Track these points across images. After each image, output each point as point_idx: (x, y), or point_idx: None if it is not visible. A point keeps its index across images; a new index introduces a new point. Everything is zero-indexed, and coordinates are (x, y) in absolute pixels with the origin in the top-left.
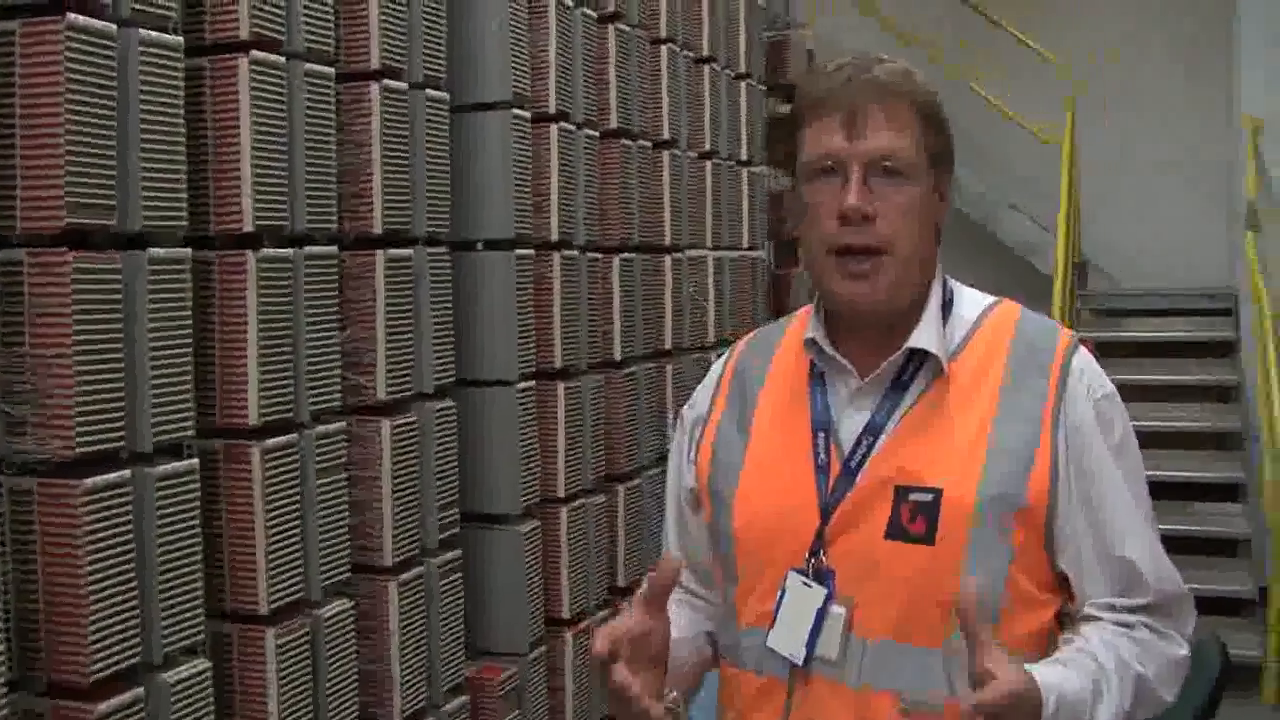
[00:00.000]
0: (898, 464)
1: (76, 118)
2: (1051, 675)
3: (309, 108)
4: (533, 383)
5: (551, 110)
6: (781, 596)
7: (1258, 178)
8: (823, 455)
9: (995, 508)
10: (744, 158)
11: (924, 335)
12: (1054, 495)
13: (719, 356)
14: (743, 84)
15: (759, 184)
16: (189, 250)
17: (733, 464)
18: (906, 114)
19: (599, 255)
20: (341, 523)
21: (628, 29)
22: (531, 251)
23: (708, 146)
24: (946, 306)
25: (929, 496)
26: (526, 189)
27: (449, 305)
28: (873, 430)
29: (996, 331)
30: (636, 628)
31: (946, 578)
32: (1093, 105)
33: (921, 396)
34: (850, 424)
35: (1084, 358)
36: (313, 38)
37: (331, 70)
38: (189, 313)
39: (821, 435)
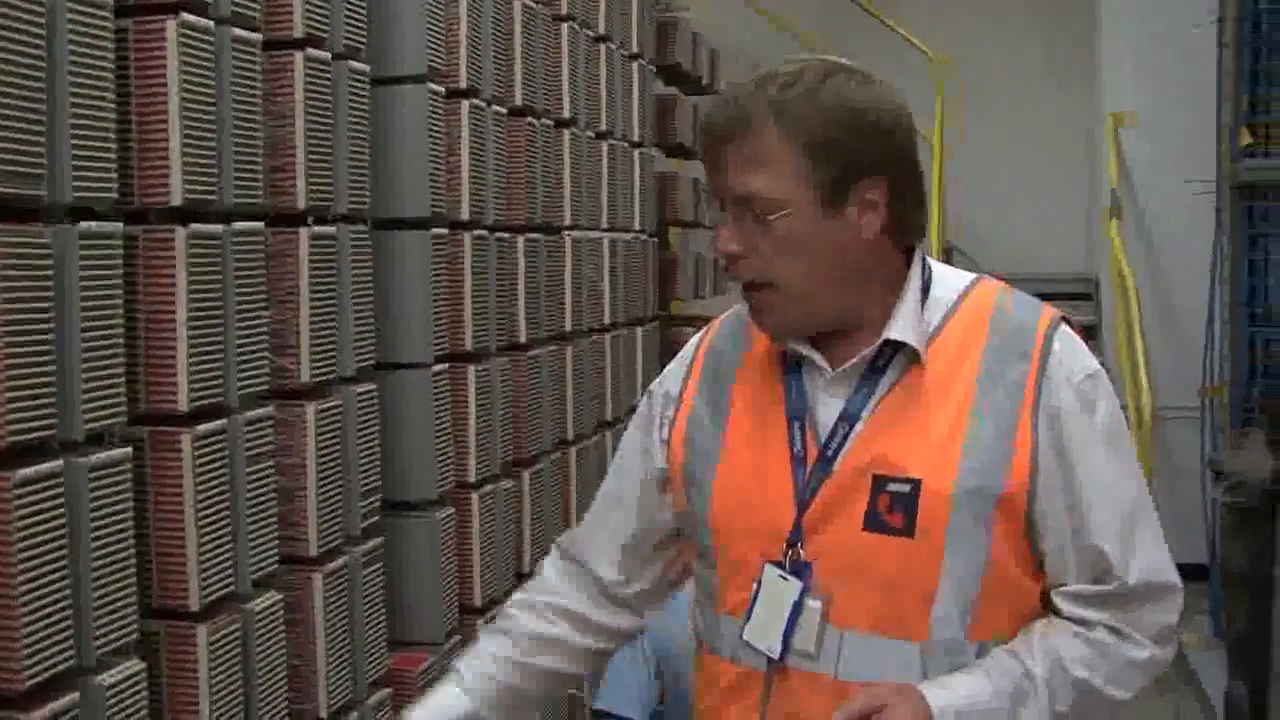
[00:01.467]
0: (875, 452)
1: (2, 79)
2: (956, 691)
3: (236, 76)
4: (446, 365)
5: (463, 85)
6: (757, 589)
7: (1120, 168)
8: (799, 444)
9: (975, 498)
10: (635, 139)
11: (900, 327)
12: (1034, 483)
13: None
14: (634, 64)
15: (648, 166)
16: (121, 225)
17: (709, 450)
18: (773, 147)
19: (506, 235)
20: (270, 512)
21: (532, 5)
22: (446, 230)
23: (604, 126)
24: (924, 289)
25: (907, 487)
26: (441, 166)
27: (369, 285)
28: (848, 418)
29: (975, 314)
30: None
31: (926, 569)
32: (961, 97)
33: (898, 383)
34: (826, 411)
35: (1066, 338)
36: (238, 1)
37: (259, 37)
38: (120, 291)
39: (797, 423)
